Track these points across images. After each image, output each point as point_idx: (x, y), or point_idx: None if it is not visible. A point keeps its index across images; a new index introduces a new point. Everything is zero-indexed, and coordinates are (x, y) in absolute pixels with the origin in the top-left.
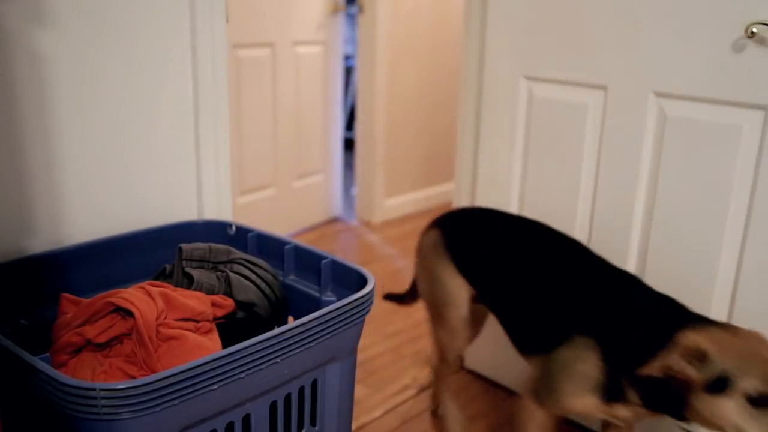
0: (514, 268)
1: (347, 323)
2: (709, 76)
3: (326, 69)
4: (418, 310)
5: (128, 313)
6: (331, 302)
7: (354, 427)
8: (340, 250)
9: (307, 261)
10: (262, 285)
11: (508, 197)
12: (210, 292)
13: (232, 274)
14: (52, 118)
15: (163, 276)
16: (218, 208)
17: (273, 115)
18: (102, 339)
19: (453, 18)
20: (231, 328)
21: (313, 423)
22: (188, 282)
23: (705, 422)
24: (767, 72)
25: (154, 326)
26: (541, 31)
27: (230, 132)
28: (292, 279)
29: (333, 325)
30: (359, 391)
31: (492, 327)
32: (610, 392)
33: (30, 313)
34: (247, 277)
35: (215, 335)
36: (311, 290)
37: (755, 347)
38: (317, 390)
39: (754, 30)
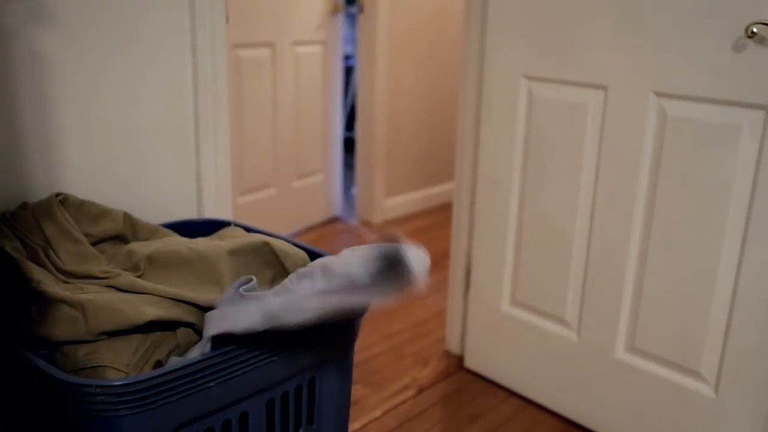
0: None
1: (345, 321)
2: (709, 76)
3: (326, 69)
4: (418, 310)
5: None
6: None
7: (354, 427)
8: (340, 250)
9: None
10: None
11: (508, 197)
12: None
13: None
14: (52, 118)
15: None
16: (218, 208)
17: (273, 115)
18: None
19: (453, 18)
20: None
21: (310, 422)
22: None
23: None
24: (767, 72)
25: None
26: (541, 31)
27: (230, 132)
28: None
29: (331, 323)
30: (359, 391)
31: (491, 328)
32: None
33: None
34: None
35: None
36: None
37: None
38: (314, 388)
39: (754, 30)
